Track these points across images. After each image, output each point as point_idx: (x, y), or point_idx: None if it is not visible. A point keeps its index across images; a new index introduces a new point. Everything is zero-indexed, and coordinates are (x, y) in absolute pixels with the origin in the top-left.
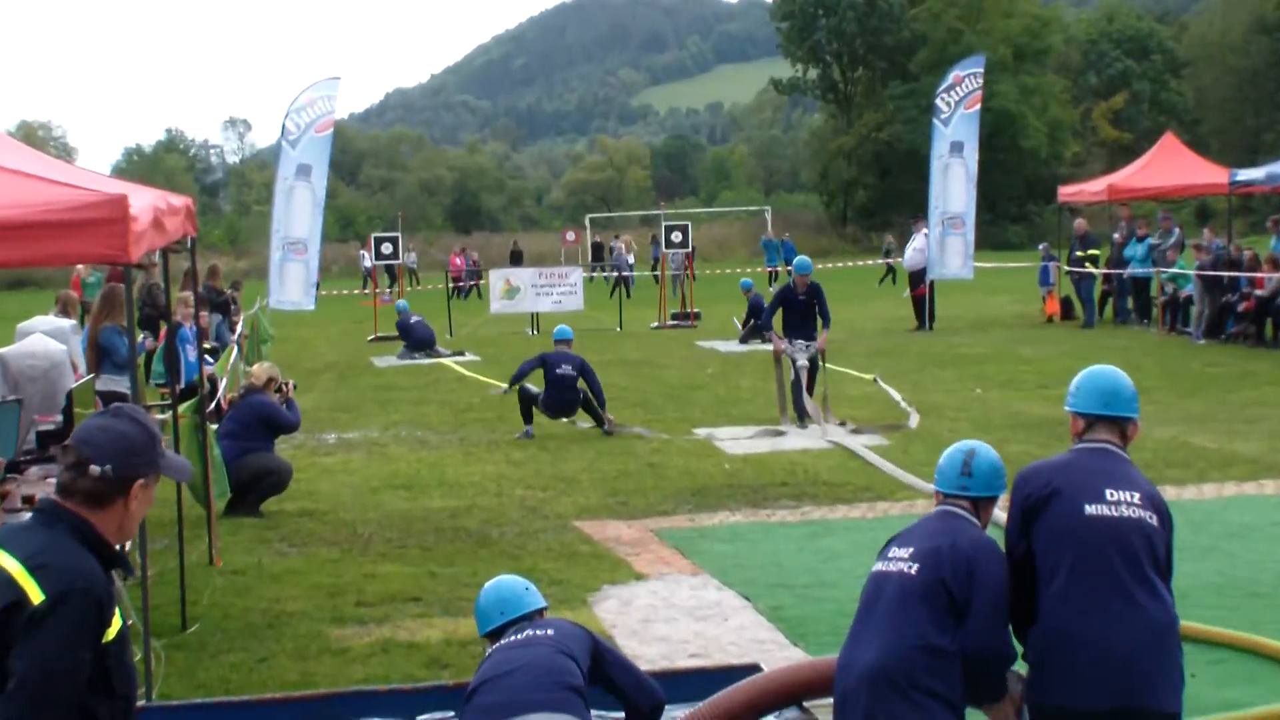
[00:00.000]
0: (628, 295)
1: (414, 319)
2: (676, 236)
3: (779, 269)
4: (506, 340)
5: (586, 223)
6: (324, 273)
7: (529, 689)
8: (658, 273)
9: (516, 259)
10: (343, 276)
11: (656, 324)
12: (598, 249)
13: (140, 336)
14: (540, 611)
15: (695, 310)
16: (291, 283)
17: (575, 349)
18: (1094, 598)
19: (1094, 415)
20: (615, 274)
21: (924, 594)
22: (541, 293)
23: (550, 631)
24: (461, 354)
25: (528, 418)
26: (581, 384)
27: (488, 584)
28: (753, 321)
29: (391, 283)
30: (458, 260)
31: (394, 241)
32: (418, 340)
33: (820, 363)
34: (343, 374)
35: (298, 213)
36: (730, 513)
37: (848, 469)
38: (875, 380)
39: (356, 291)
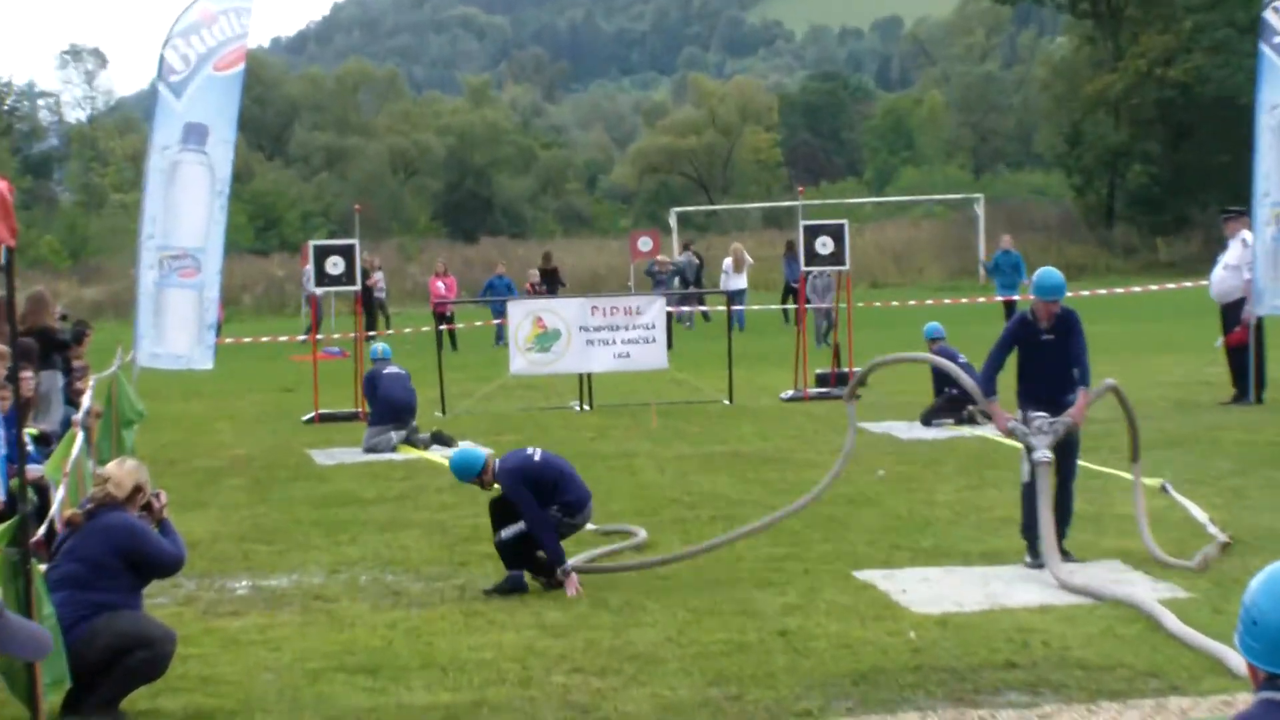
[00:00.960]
0: (671, 340)
1: (387, 370)
2: (824, 244)
3: (1020, 296)
4: (537, 421)
5: (672, 220)
6: (231, 306)
7: None
8: (793, 306)
9: (550, 282)
10: (264, 312)
11: (791, 393)
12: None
13: None
14: None
15: (855, 369)
16: (175, 324)
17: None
18: None
19: None
20: (675, 310)
21: None
22: (596, 340)
23: None
24: (449, 442)
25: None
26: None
27: None
28: (948, 392)
29: (372, 324)
30: (440, 285)
31: (347, 253)
32: (389, 404)
33: (1077, 438)
34: (261, 478)
35: (186, 205)
36: (919, 713)
37: (1117, 639)
38: (1164, 489)
39: (285, 339)
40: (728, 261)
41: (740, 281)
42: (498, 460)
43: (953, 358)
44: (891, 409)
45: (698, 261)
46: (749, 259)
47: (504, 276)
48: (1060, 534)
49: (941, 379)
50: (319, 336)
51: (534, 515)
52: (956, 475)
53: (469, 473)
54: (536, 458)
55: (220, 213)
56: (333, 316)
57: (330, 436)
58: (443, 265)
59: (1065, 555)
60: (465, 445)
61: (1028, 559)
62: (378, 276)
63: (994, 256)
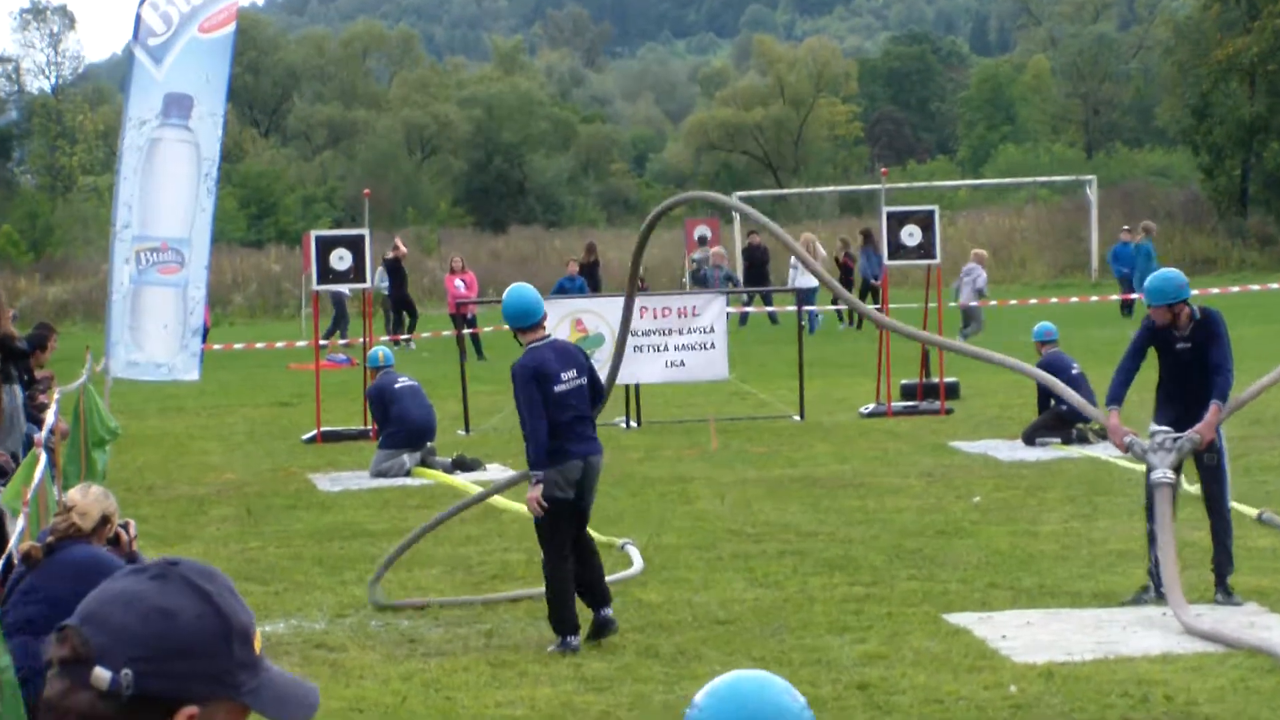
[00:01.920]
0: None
1: (400, 382)
2: (911, 234)
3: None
4: None
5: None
6: (219, 307)
7: None
8: (877, 306)
9: (591, 277)
10: (258, 314)
11: (873, 407)
12: (752, 257)
13: None
14: None
15: (947, 379)
16: (154, 327)
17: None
18: None
19: None
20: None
21: None
22: (645, 346)
23: None
24: (474, 466)
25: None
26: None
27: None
28: (1056, 407)
29: (397, 323)
30: (459, 284)
31: (354, 245)
32: (405, 425)
33: (1221, 463)
34: (254, 507)
35: (167, 189)
36: None
37: (1251, 692)
38: (1259, 518)
39: (282, 345)
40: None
41: (810, 278)
42: (550, 339)
43: (1066, 366)
44: (989, 425)
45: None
46: (822, 251)
47: (577, 277)
48: (1219, 572)
49: (1047, 392)
50: (323, 342)
51: (530, 420)
52: (1064, 503)
53: (523, 318)
54: (568, 385)
55: (207, 198)
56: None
57: (334, 458)
58: (460, 260)
59: (1228, 595)
60: (523, 285)
61: (1149, 594)
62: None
63: (1133, 246)
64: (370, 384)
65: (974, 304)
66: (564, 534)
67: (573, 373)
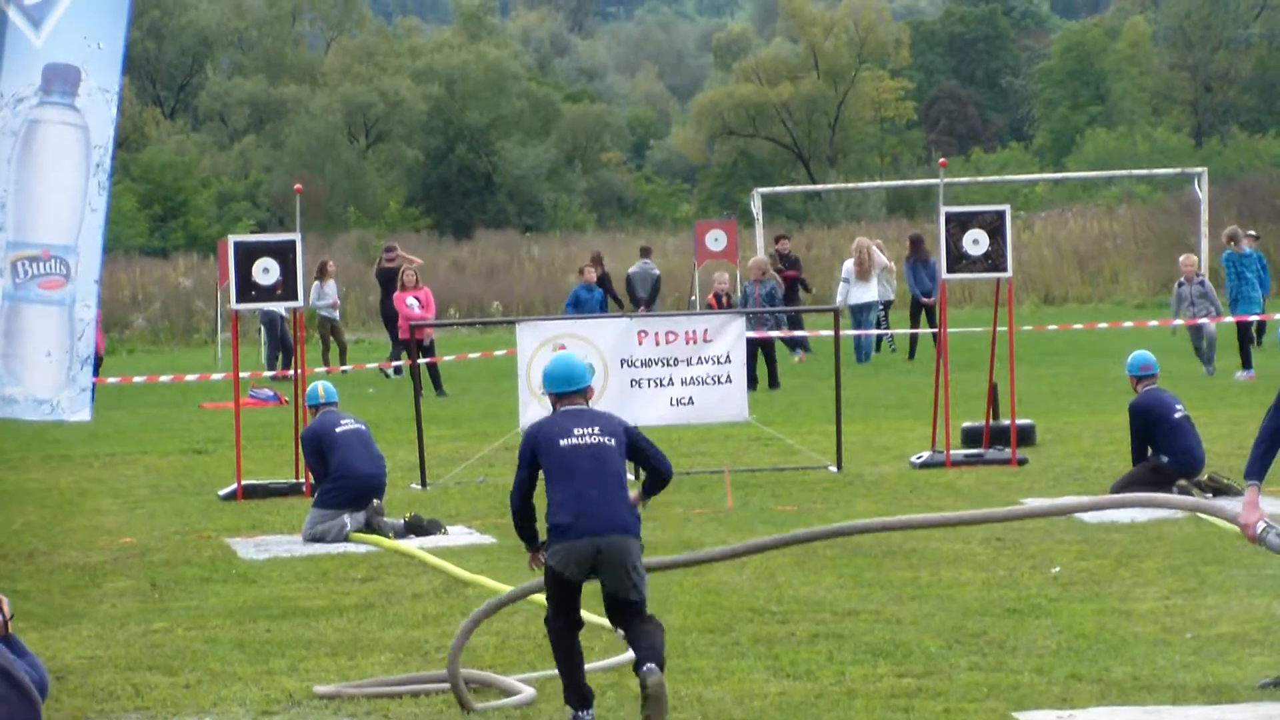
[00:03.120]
0: (772, 381)
1: (343, 424)
2: (976, 241)
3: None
4: None
5: (755, 205)
6: (115, 331)
7: None
8: (932, 330)
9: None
10: (164, 339)
11: (926, 456)
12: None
13: None
14: None
15: (1020, 422)
16: (34, 357)
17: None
18: None
19: None
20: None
21: None
22: (645, 379)
23: None
24: (432, 528)
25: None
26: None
27: None
28: (1155, 458)
29: (338, 351)
30: (412, 303)
31: (283, 254)
32: (348, 479)
33: None
34: (159, 579)
35: (49, 184)
36: None
37: None
38: None
39: (193, 378)
40: (849, 265)
41: (867, 292)
42: (580, 409)
43: (1168, 409)
44: (1071, 479)
45: (656, 273)
46: (884, 260)
47: (595, 287)
48: None
49: (1143, 438)
50: (269, 373)
51: (517, 481)
52: (1164, 574)
53: (556, 382)
54: (579, 440)
55: (99, 195)
56: (269, 344)
57: (259, 519)
58: (413, 274)
59: None
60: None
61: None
62: (327, 286)
63: (1225, 255)
64: (306, 426)
65: (1177, 322)
66: (561, 604)
67: (592, 430)
